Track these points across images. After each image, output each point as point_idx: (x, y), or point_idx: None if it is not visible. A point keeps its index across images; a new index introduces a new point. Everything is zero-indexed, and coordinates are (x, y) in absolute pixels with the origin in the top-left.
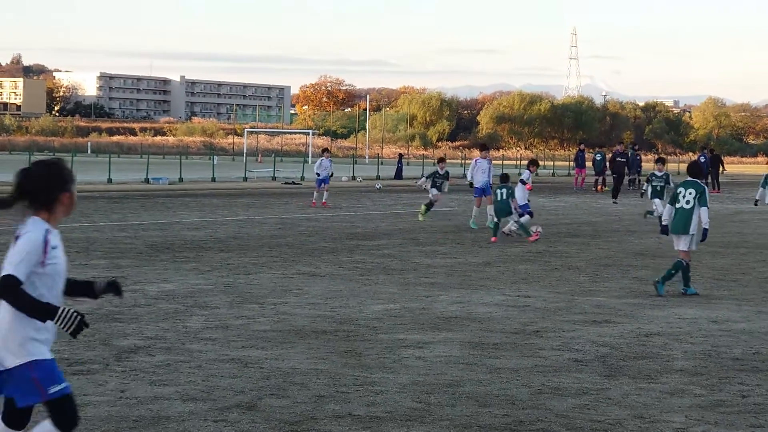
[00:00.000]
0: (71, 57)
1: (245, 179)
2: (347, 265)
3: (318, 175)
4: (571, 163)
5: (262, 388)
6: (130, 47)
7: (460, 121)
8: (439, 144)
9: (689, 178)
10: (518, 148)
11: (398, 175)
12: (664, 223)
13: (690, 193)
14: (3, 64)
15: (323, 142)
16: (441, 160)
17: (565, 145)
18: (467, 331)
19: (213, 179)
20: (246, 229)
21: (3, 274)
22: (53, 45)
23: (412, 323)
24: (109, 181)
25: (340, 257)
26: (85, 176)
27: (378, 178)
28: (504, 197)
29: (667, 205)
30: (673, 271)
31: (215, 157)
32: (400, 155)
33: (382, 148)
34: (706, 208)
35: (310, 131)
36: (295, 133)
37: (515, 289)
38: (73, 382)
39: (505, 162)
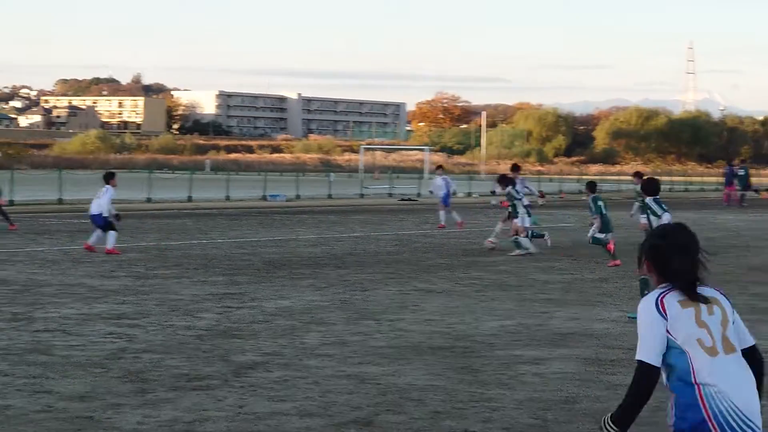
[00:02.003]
0: (190, 76)
1: (361, 196)
2: (463, 281)
3: (431, 192)
4: (688, 179)
5: (378, 404)
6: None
7: (576, 136)
8: (556, 160)
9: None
10: (635, 163)
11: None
12: None
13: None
14: (123, 83)
15: (439, 158)
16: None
17: (682, 160)
18: (584, 347)
19: (329, 196)
20: (362, 246)
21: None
22: (172, 64)
23: (528, 339)
24: (227, 198)
25: (457, 273)
26: (204, 194)
27: (493, 194)
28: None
29: None
30: None
31: (332, 173)
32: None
33: (499, 164)
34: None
35: (427, 147)
36: (411, 149)
37: (632, 305)
38: (192, 397)
39: (621, 177)
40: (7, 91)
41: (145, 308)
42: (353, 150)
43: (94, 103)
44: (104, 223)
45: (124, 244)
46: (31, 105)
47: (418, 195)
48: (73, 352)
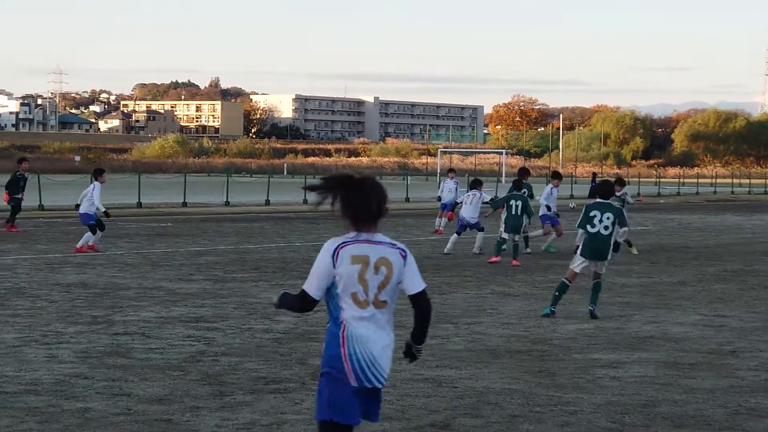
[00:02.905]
0: (268, 80)
1: (439, 199)
2: (541, 284)
3: (439, 199)
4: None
5: (456, 408)
6: (325, 69)
7: (654, 139)
8: (634, 162)
9: (601, 200)
10: (714, 166)
11: (592, 193)
12: None
13: (607, 218)
14: (202, 87)
15: (517, 161)
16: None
17: (761, 163)
18: (662, 351)
19: (407, 199)
20: (440, 249)
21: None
22: (250, 68)
23: (606, 343)
24: (305, 202)
25: (534, 276)
26: (282, 197)
27: (572, 197)
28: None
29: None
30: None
31: (409, 177)
32: (594, 174)
33: (576, 167)
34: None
35: (504, 150)
36: (489, 152)
37: (711, 309)
38: (270, 400)
39: (700, 180)
40: (86, 95)
41: (224, 311)
42: (430, 153)
43: (173, 107)
44: (92, 222)
45: (203, 247)
46: (110, 109)
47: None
48: (152, 355)
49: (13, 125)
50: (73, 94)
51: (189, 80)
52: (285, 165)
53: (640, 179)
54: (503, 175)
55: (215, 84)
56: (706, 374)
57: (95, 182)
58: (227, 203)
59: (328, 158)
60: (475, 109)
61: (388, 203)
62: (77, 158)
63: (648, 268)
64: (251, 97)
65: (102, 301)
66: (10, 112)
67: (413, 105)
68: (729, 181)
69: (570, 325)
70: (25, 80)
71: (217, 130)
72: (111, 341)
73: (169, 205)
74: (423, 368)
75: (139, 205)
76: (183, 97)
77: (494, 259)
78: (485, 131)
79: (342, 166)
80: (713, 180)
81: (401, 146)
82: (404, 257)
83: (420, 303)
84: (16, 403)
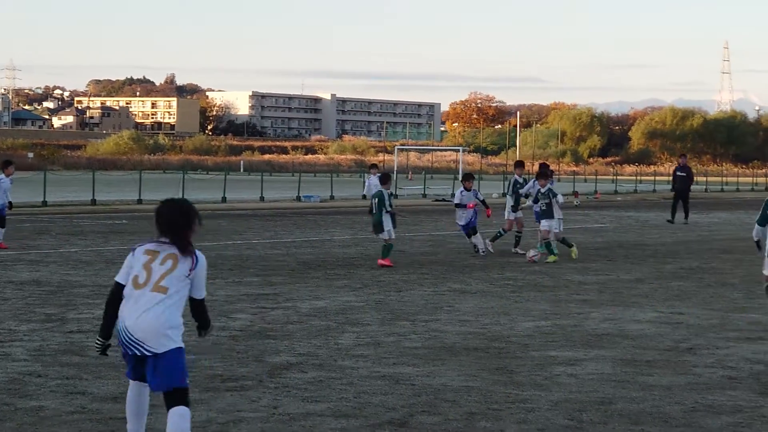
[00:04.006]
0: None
1: (396, 197)
2: (498, 281)
3: (365, 197)
4: (725, 179)
5: (413, 405)
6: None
7: (611, 136)
8: (591, 160)
9: None
10: (671, 164)
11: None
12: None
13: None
14: (157, 83)
15: (473, 159)
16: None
17: (718, 161)
18: (619, 348)
19: (364, 197)
20: (397, 246)
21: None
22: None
23: (563, 340)
24: (262, 199)
25: (491, 274)
26: (238, 194)
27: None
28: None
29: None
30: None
31: (366, 174)
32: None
33: (533, 165)
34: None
35: (461, 148)
36: (446, 150)
37: (668, 306)
38: (226, 398)
39: (657, 178)
40: (40, 91)
41: None
42: (387, 150)
43: (128, 103)
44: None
45: None
46: (64, 105)
47: (452, 195)
48: (107, 352)
49: None
50: (26, 90)
51: (144, 76)
52: (241, 162)
53: (597, 177)
54: (460, 172)
55: (171, 80)
56: (663, 371)
57: (1, 176)
58: None
59: (284, 155)
60: (432, 107)
61: (189, 221)
62: (30, 155)
63: (605, 266)
64: (207, 93)
65: (56, 298)
66: None
67: (370, 102)
68: None
69: (527, 323)
70: None
71: (172, 126)
72: (65, 339)
73: (124, 202)
74: (380, 365)
75: (94, 202)
76: (138, 93)
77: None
78: (442, 129)
79: (299, 163)
80: (670, 178)
81: (358, 144)
82: (195, 261)
83: (197, 308)
84: None
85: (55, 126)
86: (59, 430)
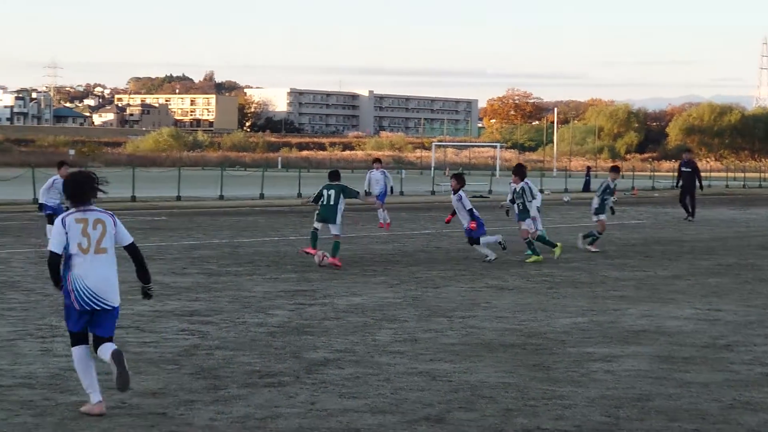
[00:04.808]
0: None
1: (433, 193)
2: (535, 278)
3: (367, 193)
4: (763, 175)
5: (450, 401)
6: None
7: (648, 133)
8: (628, 156)
9: None
10: (708, 160)
11: (586, 187)
12: None
13: None
14: (196, 81)
15: (511, 155)
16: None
17: (756, 157)
18: (656, 344)
19: (401, 193)
20: (434, 243)
21: (132, 241)
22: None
23: (600, 337)
24: (299, 195)
25: (528, 270)
26: (276, 191)
27: (566, 191)
28: (333, 201)
29: None
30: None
31: (403, 170)
32: (588, 168)
33: (570, 161)
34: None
35: (498, 144)
36: (483, 146)
37: (705, 303)
38: (264, 394)
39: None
40: (81, 89)
41: (218, 305)
42: (425, 147)
43: (167, 101)
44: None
45: (197, 241)
46: (104, 103)
47: (490, 192)
48: (146, 348)
49: (8, 119)
50: (67, 88)
51: (183, 74)
52: (279, 159)
53: (635, 173)
54: (498, 169)
55: (210, 78)
56: (701, 368)
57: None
58: (221, 197)
59: (322, 152)
60: (470, 103)
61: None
62: (71, 152)
63: (642, 262)
64: (246, 90)
65: None
66: (5, 106)
67: (408, 99)
68: (724, 174)
69: (564, 319)
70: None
71: (211, 123)
72: None
73: (163, 198)
74: (417, 362)
75: (133, 198)
76: (177, 90)
77: (309, 250)
78: (479, 125)
79: (336, 159)
80: (708, 174)
81: (396, 140)
82: (114, 219)
83: (132, 252)
84: (10, 396)
85: (95, 123)
86: (99, 425)
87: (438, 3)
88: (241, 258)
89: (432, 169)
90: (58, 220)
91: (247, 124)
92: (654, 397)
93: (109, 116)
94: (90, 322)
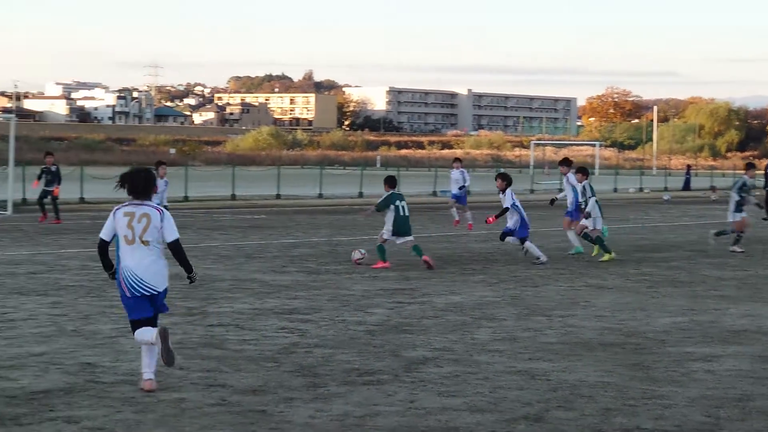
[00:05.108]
0: (361, 72)
1: (532, 191)
2: (634, 277)
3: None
4: None
5: (549, 400)
6: (417, 61)
7: (749, 131)
8: (728, 154)
9: None
10: None
11: (686, 186)
12: None
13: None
14: (295, 80)
15: (610, 153)
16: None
17: None
18: (758, 344)
19: (435, 193)
20: (533, 242)
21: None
22: (343, 61)
23: (700, 336)
24: None
25: (628, 269)
26: (375, 190)
27: (665, 189)
28: (408, 212)
29: None
30: None
31: (501, 169)
32: (688, 166)
33: (670, 159)
34: None
35: (597, 143)
36: (582, 144)
37: None
38: (363, 392)
39: None
40: (181, 88)
41: (317, 303)
42: (523, 145)
43: (267, 100)
44: None
45: (297, 239)
46: (204, 102)
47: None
48: (246, 346)
49: (109, 118)
50: (168, 87)
51: (283, 73)
52: (378, 157)
53: (735, 171)
54: (597, 167)
55: (309, 77)
56: None
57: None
58: (320, 195)
59: (421, 150)
60: (569, 101)
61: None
62: (172, 151)
63: (743, 261)
64: (344, 89)
65: (196, 292)
66: (107, 105)
67: (506, 97)
68: None
69: (664, 318)
70: (121, 73)
71: (310, 122)
72: (205, 332)
73: (262, 197)
74: (516, 360)
75: (233, 197)
76: (277, 89)
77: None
78: (578, 123)
79: (435, 158)
80: None
81: (494, 138)
82: (162, 215)
83: (174, 248)
84: (112, 392)
85: (195, 122)
86: (200, 422)
87: (536, 2)
88: (340, 256)
89: (531, 167)
90: (112, 211)
91: (346, 122)
92: (755, 397)
93: (209, 115)
94: (149, 303)
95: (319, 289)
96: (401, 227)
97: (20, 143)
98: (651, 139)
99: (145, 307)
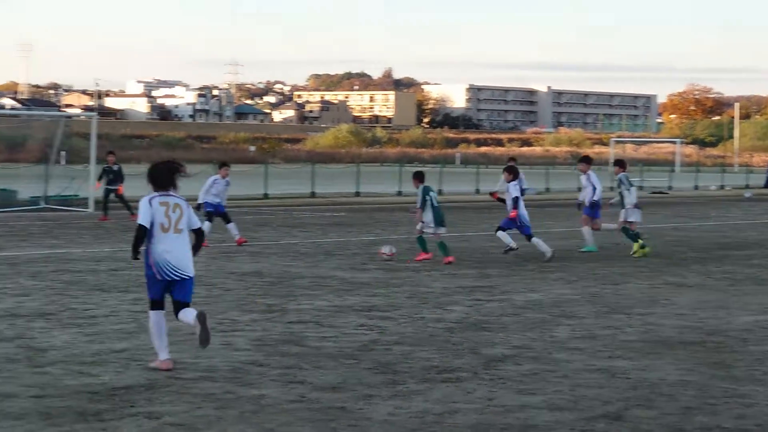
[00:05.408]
0: (440, 70)
1: (612, 189)
2: (716, 275)
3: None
4: None
5: (629, 399)
6: (497, 59)
7: None
8: None
9: None
10: None
11: None
12: None
13: None
14: (375, 77)
15: (691, 150)
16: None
17: None
18: None
19: (579, 189)
20: (611, 239)
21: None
22: (423, 59)
23: None
24: (477, 191)
25: (709, 267)
26: (454, 187)
27: (747, 186)
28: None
29: None
30: None
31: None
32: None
33: (752, 156)
34: None
35: (678, 140)
36: (663, 141)
37: None
38: (442, 389)
39: None
40: (261, 86)
41: (396, 301)
42: (603, 143)
43: (346, 97)
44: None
45: (376, 236)
46: (284, 100)
47: (669, 188)
48: (325, 343)
49: (190, 116)
50: (248, 85)
51: (362, 71)
52: (457, 155)
53: None
54: (677, 165)
55: (388, 74)
56: None
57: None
58: (400, 193)
59: (500, 148)
60: (649, 98)
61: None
62: (252, 148)
63: None
64: (423, 87)
65: (276, 289)
66: (188, 103)
67: (586, 94)
68: None
69: (746, 317)
70: (201, 72)
71: (389, 120)
72: (285, 329)
73: (342, 194)
74: (595, 358)
75: (313, 194)
76: (356, 87)
77: (425, 256)
78: (659, 120)
79: (515, 155)
80: None
81: (574, 136)
82: (186, 204)
83: (197, 234)
84: (193, 389)
85: (275, 120)
86: (279, 419)
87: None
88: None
89: (609, 165)
90: (145, 200)
91: (425, 120)
92: None
93: (289, 113)
94: (169, 290)
95: (399, 287)
96: (439, 217)
97: (101, 141)
98: (732, 136)
99: (162, 290)
